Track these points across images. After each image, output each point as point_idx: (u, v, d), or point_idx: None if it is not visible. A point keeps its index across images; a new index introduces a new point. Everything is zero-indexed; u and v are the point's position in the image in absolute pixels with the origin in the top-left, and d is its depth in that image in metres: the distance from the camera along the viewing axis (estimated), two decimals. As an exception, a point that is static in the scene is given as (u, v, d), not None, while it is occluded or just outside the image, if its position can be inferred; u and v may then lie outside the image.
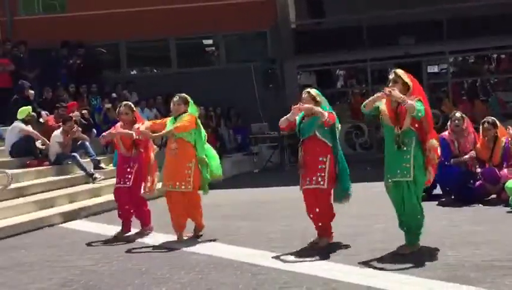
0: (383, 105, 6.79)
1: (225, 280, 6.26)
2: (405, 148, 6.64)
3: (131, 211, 8.90)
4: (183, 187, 8.15)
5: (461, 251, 6.71)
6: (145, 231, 8.92)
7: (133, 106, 9.18)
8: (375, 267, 6.29)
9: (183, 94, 8.53)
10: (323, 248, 7.25)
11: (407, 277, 5.90)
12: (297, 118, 7.44)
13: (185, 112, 8.31)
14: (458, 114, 9.94)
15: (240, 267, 6.71)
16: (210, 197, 11.02)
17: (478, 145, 9.90)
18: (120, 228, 8.96)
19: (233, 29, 20.48)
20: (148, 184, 8.62)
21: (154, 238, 8.68)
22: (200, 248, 7.76)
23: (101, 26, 19.97)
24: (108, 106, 16.79)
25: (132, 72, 21.96)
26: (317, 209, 7.33)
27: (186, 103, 8.39)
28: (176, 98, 8.43)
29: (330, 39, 19.95)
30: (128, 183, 8.70)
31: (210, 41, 22.13)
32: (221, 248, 7.70)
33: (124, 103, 9.25)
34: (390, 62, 20.23)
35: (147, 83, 19.72)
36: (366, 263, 6.45)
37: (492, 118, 10.06)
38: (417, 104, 6.51)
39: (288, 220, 9.25)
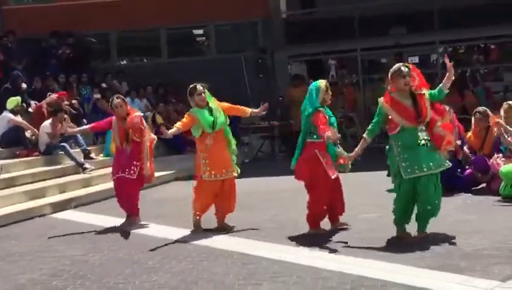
0: (391, 111, 6.80)
1: (216, 270, 6.27)
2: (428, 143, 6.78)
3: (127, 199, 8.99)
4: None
5: (451, 240, 6.74)
6: (133, 221, 8.92)
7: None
8: (364, 257, 6.31)
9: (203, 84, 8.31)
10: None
11: (396, 265, 5.93)
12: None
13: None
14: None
15: (231, 256, 6.73)
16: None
17: (470, 134, 9.94)
18: (120, 218, 9.00)
19: (224, 19, 20.40)
20: (149, 172, 8.78)
21: (146, 228, 8.70)
22: (192, 238, 7.76)
23: (90, 16, 19.87)
24: (98, 96, 16.74)
25: (122, 62, 21.87)
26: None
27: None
28: (200, 88, 8.23)
29: (321, 29, 19.91)
30: (134, 175, 8.77)
31: (200, 31, 22.06)
32: (212, 238, 7.70)
33: (117, 95, 9.27)
34: (381, 52, 20.30)
35: (137, 73, 19.64)
36: (356, 252, 6.48)
37: (484, 108, 10.09)
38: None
39: (279, 210, 9.27)
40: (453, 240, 6.70)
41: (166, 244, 7.54)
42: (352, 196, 8.29)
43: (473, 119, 9.91)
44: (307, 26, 20.58)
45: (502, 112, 9.42)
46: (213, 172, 8.02)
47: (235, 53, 20.08)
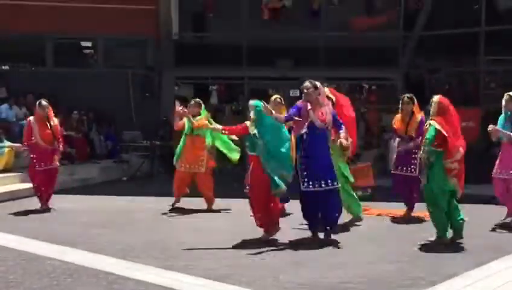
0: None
1: (80, 288, 6.11)
2: None
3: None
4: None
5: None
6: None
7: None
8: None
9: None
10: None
11: None
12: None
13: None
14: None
15: (96, 275, 6.57)
16: (72, 202, 10.79)
17: (398, 117, 10.34)
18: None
19: (114, 34, 20.12)
20: None
21: (7, 239, 8.37)
22: (56, 254, 7.52)
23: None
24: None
25: (3, 67, 21.05)
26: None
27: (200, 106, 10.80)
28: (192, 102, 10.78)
29: (211, 54, 20.07)
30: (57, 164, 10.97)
31: (89, 44, 21.64)
32: (79, 255, 7.50)
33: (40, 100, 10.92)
34: (267, 83, 20.65)
35: (19, 80, 18.98)
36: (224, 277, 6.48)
37: (411, 94, 10.43)
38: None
39: (150, 230, 9.16)
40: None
41: (28, 259, 7.27)
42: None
43: (400, 102, 10.25)
44: (197, 49, 20.68)
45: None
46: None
47: (122, 69, 19.85)
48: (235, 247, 7.71)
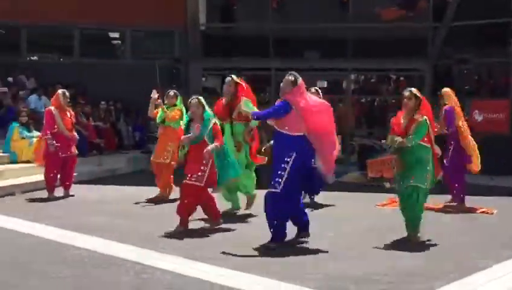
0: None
1: (108, 278, 6.13)
2: None
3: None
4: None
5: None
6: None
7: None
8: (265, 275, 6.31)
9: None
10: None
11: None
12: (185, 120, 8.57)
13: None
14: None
15: (124, 265, 6.58)
16: (100, 192, 10.84)
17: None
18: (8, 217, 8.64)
19: (141, 25, 20.20)
20: None
21: (34, 227, 8.43)
22: (83, 243, 7.55)
23: (1, 6, 19.21)
24: (4, 89, 16.23)
25: (32, 58, 21.25)
26: (186, 201, 8.16)
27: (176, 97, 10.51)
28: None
29: (238, 45, 20.05)
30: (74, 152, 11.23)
31: (116, 34, 21.74)
32: (105, 244, 7.53)
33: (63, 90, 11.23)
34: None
35: (47, 70, 19.13)
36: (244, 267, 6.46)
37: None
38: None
39: (176, 221, 9.14)
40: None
41: (56, 248, 7.33)
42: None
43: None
44: (225, 40, 20.67)
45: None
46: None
47: (149, 60, 19.88)
48: (259, 238, 7.66)
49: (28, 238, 7.89)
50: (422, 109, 7.76)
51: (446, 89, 10.48)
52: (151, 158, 11.05)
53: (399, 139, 7.69)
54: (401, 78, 21.56)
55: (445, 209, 10.13)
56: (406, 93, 7.87)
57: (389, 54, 19.23)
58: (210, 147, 8.07)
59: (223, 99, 9.39)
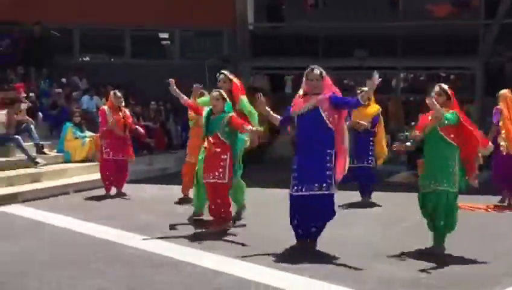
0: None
1: (160, 278, 6.21)
2: None
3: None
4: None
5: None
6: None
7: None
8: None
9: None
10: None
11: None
12: (205, 113, 8.31)
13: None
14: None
15: (175, 264, 6.67)
16: (151, 192, 10.94)
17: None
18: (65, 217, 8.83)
19: (190, 25, 20.38)
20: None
21: (86, 227, 8.58)
22: (135, 242, 7.68)
23: (55, 9, 19.60)
24: (58, 90, 16.56)
25: (85, 59, 21.64)
26: (219, 201, 8.18)
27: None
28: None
29: (286, 44, 20.05)
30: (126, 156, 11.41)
31: (166, 35, 21.99)
32: (156, 244, 7.63)
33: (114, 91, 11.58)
34: (343, 72, 20.49)
35: (99, 71, 19.44)
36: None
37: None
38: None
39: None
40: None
41: (109, 247, 7.46)
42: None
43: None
44: (273, 40, 20.69)
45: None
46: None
47: (198, 60, 20.06)
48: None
49: (82, 237, 8.05)
50: (454, 107, 7.30)
51: (503, 91, 10.43)
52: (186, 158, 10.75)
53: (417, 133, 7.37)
54: (452, 77, 21.29)
55: (497, 209, 10.03)
56: (436, 89, 7.41)
57: (439, 52, 19.01)
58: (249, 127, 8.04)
59: None
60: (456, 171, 7.11)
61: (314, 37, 20.00)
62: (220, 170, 8.10)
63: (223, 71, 9.11)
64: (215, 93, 8.27)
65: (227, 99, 8.28)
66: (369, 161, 10.51)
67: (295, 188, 7.13)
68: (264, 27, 21.67)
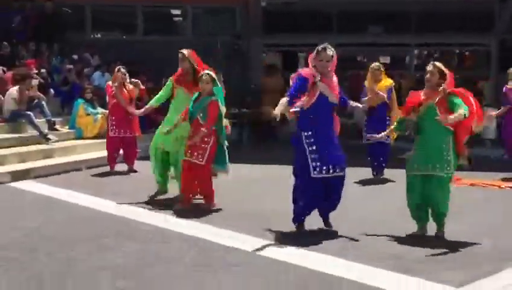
0: None
1: (172, 253, 6.18)
2: None
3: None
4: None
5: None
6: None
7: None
8: (329, 253, 6.25)
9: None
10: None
11: (352, 263, 5.89)
12: (192, 97, 8.29)
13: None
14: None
15: (187, 240, 6.64)
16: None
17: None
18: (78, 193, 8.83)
19: (203, 1, 20.23)
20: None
21: (103, 205, 8.55)
22: (148, 219, 7.67)
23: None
24: (70, 66, 16.50)
25: (96, 35, 21.55)
26: (196, 182, 8.26)
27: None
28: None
29: (299, 21, 19.86)
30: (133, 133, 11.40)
31: (178, 11, 21.84)
32: (171, 221, 7.60)
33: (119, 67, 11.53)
34: (357, 49, 20.31)
35: (110, 48, 19.36)
36: (324, 249, 6.41)
37: None
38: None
39: (244, 199, 9.15)
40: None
41: (121, 223, 7.44)
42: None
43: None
44: (286, 16, 20.50)
45: None
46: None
47: (210, 36, 19.92)
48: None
49: (93, 213, 8.05)
50: (448, 86, 6.71)
51: None
52: None
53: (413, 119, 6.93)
54: (466, 53, 21.07)
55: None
56: (429, 68, 6.82)
57: (454, 29, 18.78)
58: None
59: (185, 74, 8.88)
60: (451, 153, 6.71)
61: (328, 13, 19.80)
62: (200, 151, 8.11)
63: (181, 50, 8.98)
64: (205, 76, 8.20)
65: (218, 84, 8.27)
66: (387, 137, 10.39)
67: (317, 169, 6.85)
68: (276, 3, 21.43)
